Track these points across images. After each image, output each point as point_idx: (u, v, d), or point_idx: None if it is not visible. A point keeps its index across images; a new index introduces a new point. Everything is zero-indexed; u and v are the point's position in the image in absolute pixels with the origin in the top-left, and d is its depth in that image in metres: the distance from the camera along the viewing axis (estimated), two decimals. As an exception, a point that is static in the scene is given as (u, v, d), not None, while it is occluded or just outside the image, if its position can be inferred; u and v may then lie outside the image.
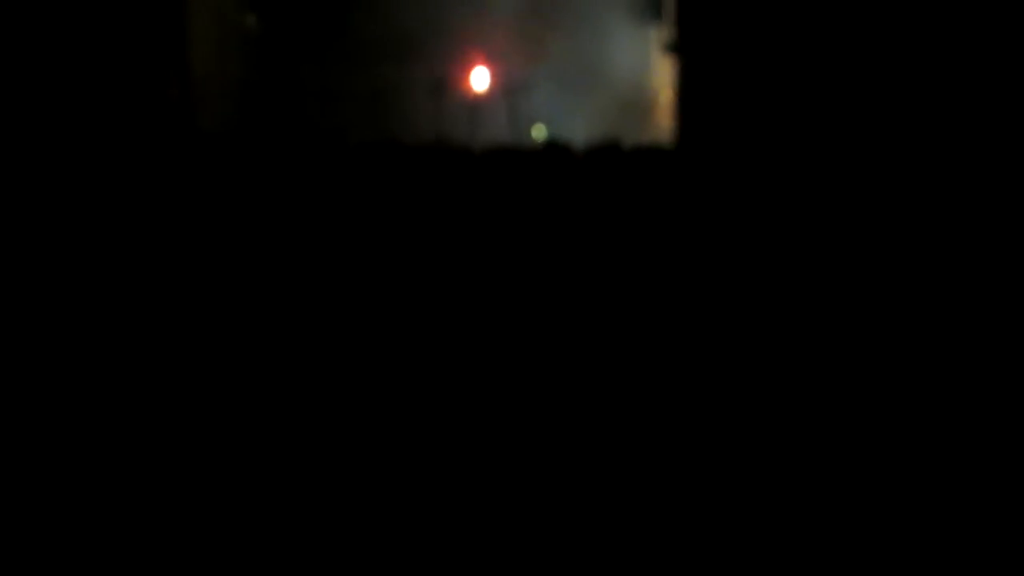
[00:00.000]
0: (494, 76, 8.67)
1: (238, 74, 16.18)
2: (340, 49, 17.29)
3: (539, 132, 12.74)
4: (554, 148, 7.20)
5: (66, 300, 4.58)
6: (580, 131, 14.49)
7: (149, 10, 11.20)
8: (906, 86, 6.37)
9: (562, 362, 4.31)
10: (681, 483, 3.61)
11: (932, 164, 5.51)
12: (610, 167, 6.63)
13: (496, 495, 3.57)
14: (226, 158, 6.23)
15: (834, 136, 7.22)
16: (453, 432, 3.95)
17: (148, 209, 5.34)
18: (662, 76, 16.59)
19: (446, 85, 8.40)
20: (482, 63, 7.84)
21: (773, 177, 6.08)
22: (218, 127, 13.39)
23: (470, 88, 7.43)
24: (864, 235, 5.05)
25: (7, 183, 5.16)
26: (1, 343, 4.21)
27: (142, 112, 10.84)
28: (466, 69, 8.07)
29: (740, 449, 3.70)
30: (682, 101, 15.51)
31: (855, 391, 3.93)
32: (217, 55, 14.88)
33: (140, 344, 4.38)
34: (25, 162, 5.91)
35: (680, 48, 15.55)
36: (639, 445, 3.77)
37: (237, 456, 3.83)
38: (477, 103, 7.35)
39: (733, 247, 5.04)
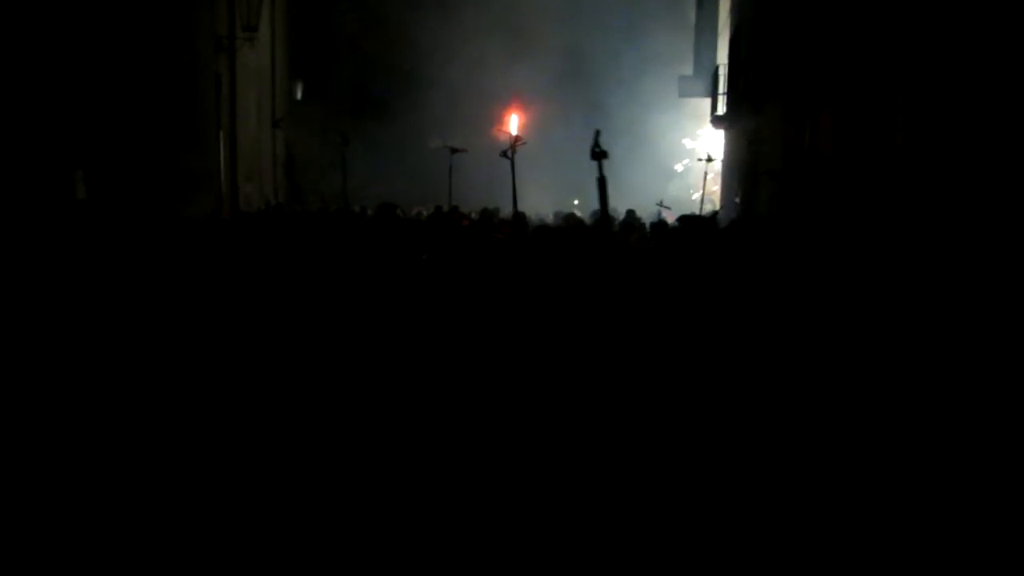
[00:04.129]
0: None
1: (284, 143, 16.32)
2: (380, 123, 17.46)
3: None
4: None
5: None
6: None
7: (197, 79, 11.26)
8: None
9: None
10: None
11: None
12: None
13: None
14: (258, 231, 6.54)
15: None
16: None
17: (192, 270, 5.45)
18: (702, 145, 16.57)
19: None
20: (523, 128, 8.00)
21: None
22: (261, 190, 13.37)
23: (508, 133, 7.81)
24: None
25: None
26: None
27: (192, 174, 10.80)
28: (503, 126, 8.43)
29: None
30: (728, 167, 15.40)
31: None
32: (265, 124, 15.00)
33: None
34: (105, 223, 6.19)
35: (726, 121, 15.52)
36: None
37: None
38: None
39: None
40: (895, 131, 6.64)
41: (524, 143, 7.55)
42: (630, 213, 9.85)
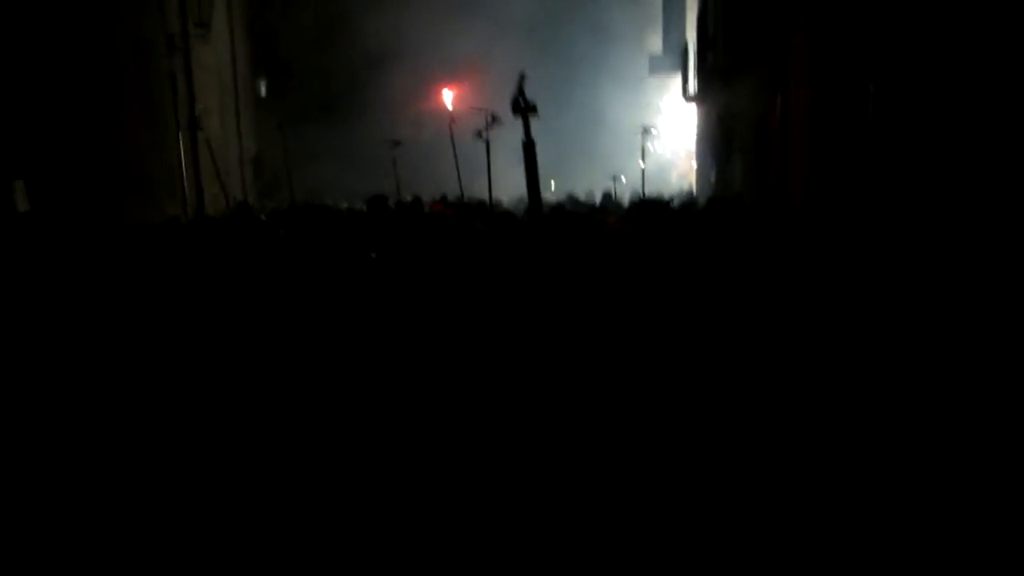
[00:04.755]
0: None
1: (249, 135, 15.97)
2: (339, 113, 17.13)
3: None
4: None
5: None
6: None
7: (150, 80, 10.91)
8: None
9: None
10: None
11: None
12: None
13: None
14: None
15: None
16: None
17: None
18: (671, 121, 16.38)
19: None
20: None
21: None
22: (228, 190, 13.05)
23: (444, 105, 7.79)
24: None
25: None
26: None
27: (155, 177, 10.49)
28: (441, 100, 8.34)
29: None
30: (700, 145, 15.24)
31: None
32: (228, 124, 14.66)
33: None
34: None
35: (697, 97, 15.34)
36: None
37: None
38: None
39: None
40: (867, 100, 6.50)
41: (499, 123, 7.34)
42: (607, 197, 9.74)
